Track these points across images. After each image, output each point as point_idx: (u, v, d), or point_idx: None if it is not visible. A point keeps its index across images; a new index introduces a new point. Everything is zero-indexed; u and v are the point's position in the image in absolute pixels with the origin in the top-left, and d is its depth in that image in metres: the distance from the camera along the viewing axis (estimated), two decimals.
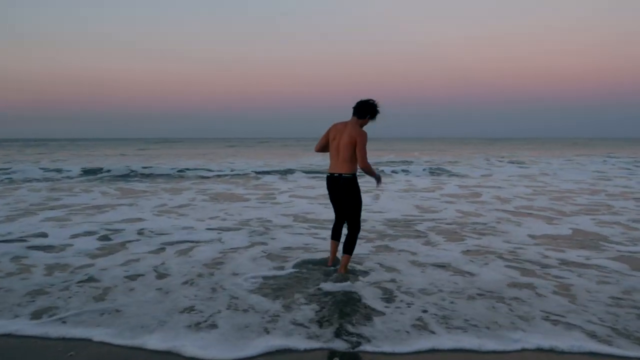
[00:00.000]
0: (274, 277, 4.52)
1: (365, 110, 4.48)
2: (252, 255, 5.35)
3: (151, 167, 18.45)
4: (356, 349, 3.00)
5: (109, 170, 17.18)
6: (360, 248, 5.55)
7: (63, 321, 3.42)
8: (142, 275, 4.58)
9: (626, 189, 12.45)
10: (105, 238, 6.19)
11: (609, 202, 9.83)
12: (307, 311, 3.61)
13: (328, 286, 4.20)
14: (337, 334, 3.21)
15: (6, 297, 3.92)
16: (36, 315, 3.53)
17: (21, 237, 6.21)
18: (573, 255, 5.41)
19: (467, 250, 5.59)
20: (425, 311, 3.61)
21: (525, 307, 3.71)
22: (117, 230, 6.65)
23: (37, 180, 14.63)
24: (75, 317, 3.49)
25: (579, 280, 4.45)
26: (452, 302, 3.81)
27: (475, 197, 10.71)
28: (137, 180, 14.86)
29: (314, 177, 15.84)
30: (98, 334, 3.20)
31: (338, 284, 4.25)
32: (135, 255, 5.36)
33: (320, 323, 3.39)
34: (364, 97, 4.53)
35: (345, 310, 3.66)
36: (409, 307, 3.71)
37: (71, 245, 5.78)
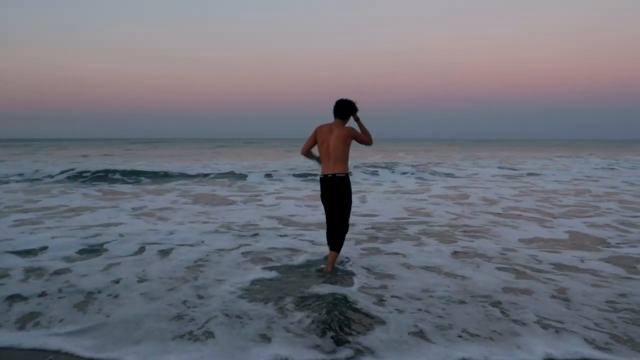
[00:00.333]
0: (261, 280, 4.39)
1: (347, 110, 4.66)
2: (235, 258, 5.21)
3: (134, 168, 18.07)
4: None
5: (90, 171, 16.69)
6: (351, 251, 5.46)
7: (41, 331, 3.23)
8: (124, 280, 4.39)
9: (610, 190, 12.56)
10: (83, 242, 5.94)
11: (594, 203, 9.88)
12: (302, 318, 3.48)
13: (319, 290, 4.08)
14: (338, 343, 3.07)
15: None
16: (13, 325, 3.33)
17: None
18: (566, 257, 5.36)
19: (459, 253, 5.51)
20: (422, 319, 3.48)
21: (522, 313, 3.62)
22: (96, 234, 6.40)
23: (16, 181, 14.18)
24: (55, 327, 3.30)
25: (573, 283, 4.39)
26: (447, 308, 3.70)
27: (462, 199, 10.68)
28: (120, 182, 14.51)
29: (301, 178, 15.67)
30: (79, 346, 3.01)
31: (330, 288, 4.14)
32: (116, 259, 5.16)
33: (318, 331, 3.26)
34: (340, 98, 4.67)
35: (340, 317, 3.53)
36: (404, 313, 3.59)
37: (48, 249, 5.53)
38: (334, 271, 4.66)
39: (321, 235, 6.11)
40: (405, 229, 6.98)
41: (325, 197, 4.70)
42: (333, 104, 4.69)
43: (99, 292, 4.05)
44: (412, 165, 21.59)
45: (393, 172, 18.22)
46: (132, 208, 8.97)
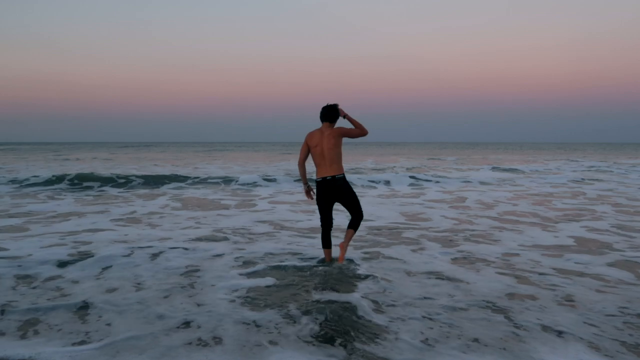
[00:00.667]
0: (261, 286, 4.27)
1: (334, 114, 4.91)
2: (228, 262, 5.10)
3: (127, 172, 17.81)
4: None
5: (78, 176, 16.18)
6: (351, 255, 5.37)
7: (37, 340, 3.08)
8: (119, 288, 4.24)
9: (604, 192, 12.56)
10: (73, 248, 5.78)
11: (590, 206, 9.87)
12: (309, 324, 3.38)
13: (321, 296, 3.99)
14: (350, 353, 2.96)
15: None
16: (5, 334, 3.18)
17: None
18: (569, 262, 5.30)
19: (460, 258, 5.43)
20: (430, 328, 3.38)
21: (530, 319, 3.52)
22: (86, 241, 6.22)
23: (4, 183, 13.86)
24: (53, 336, 3.15)
25: (577, 289, 4.30)
26: (453, 316, 3.60)
27: (458, 202, 10.62)
28: (110, 185, 14.27)
29: (296, 182, 15.53)
30: (80, 358, 2.86)
31: (333, 294, 4.04)
32: (107, 264, 5.02)
33: (327, 339, 3.15)
34: (325, 103, 4.93)
35: (346, 324, 3.42)
36: (410, 321, 3.48)
37: (38, 255, 5.33)
38: (336, 276, 4.57)
39: (317, 242, 6.02)
40: (405, 233, 6.88)
41: (323, 199, 4.86)
42: (321, 109, 4.96)
43: (95, 300, 3.89)
44: (406, 169, 21.55)
45: (386, 175, 18.11)
46: (122, 213, 8.79)
